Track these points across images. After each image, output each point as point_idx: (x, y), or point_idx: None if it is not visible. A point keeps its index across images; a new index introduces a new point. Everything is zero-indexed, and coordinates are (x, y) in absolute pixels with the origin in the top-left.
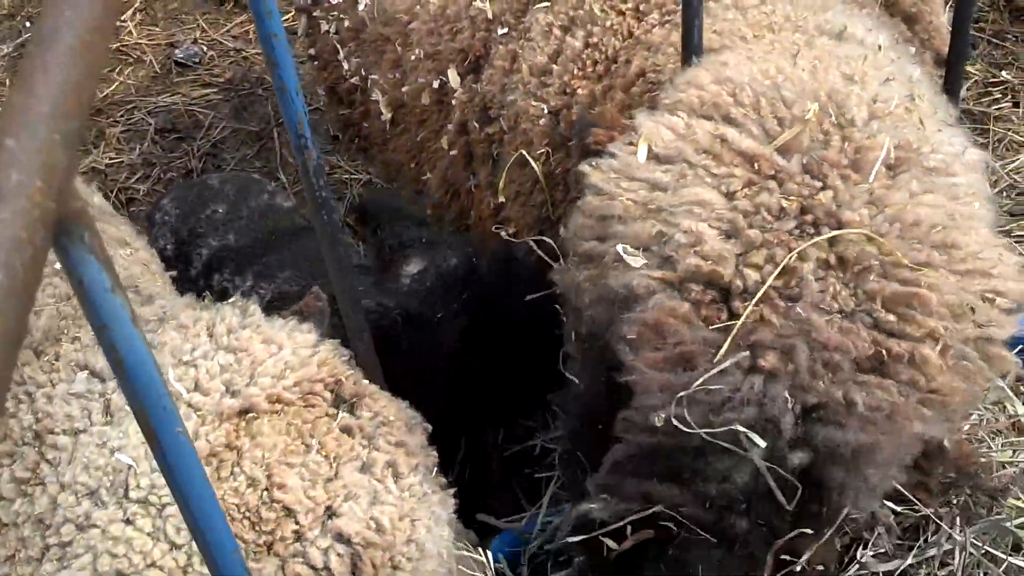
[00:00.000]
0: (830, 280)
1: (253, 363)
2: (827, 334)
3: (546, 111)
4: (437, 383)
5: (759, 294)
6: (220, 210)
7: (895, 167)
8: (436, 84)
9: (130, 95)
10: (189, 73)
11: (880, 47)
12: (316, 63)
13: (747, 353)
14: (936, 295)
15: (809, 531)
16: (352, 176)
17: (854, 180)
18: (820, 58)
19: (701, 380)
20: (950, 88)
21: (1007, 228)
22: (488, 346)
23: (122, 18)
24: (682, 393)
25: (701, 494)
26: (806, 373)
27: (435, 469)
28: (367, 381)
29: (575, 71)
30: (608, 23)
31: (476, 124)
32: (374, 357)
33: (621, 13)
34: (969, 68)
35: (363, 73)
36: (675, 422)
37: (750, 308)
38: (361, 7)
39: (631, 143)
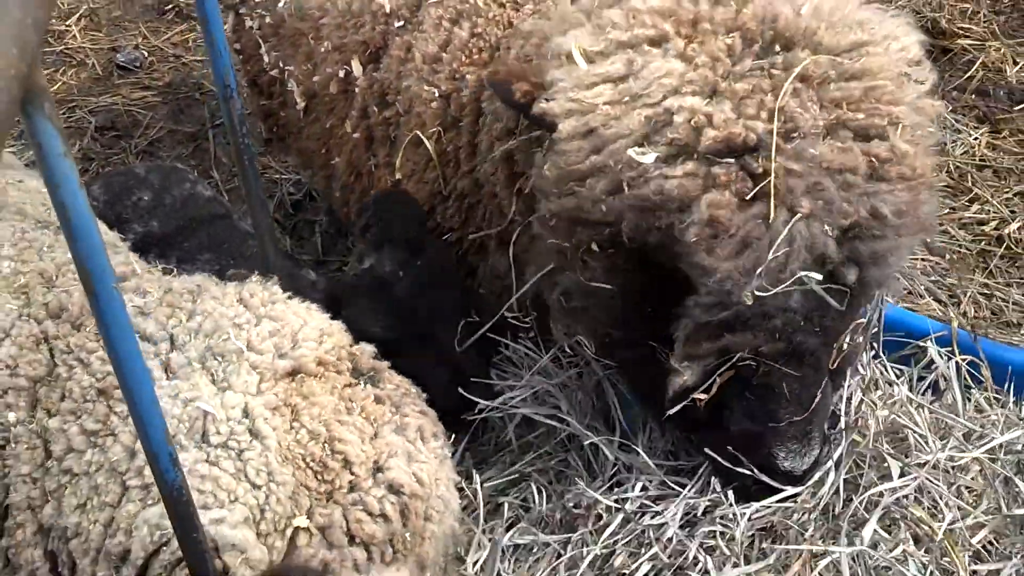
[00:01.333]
0: (807, 105)
1: (293, 330)
2: (832, 158)
3: (437, 95)
4: None
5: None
6: (145, 198)
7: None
8: (342, 74)
9: (72, 95)
10: (130, 76)
11: None
12: (241, 57)
13: (797, 216)
14: (883, 75)
15: (859, 320)
16: (283, 176)
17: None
18: None
19: (771, 255)
20: None
21: None
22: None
23: (67, 23)
24: (760, 270)
25: (771, 330)
26: (839, 201)
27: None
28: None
29: (463, 58)
30: (491, 14)
31: (375, 108)
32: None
33: (502, 5)
34: None
35: (281, 66)
36: (758, 293)
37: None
38: (281, 4)
39: (560, 63)
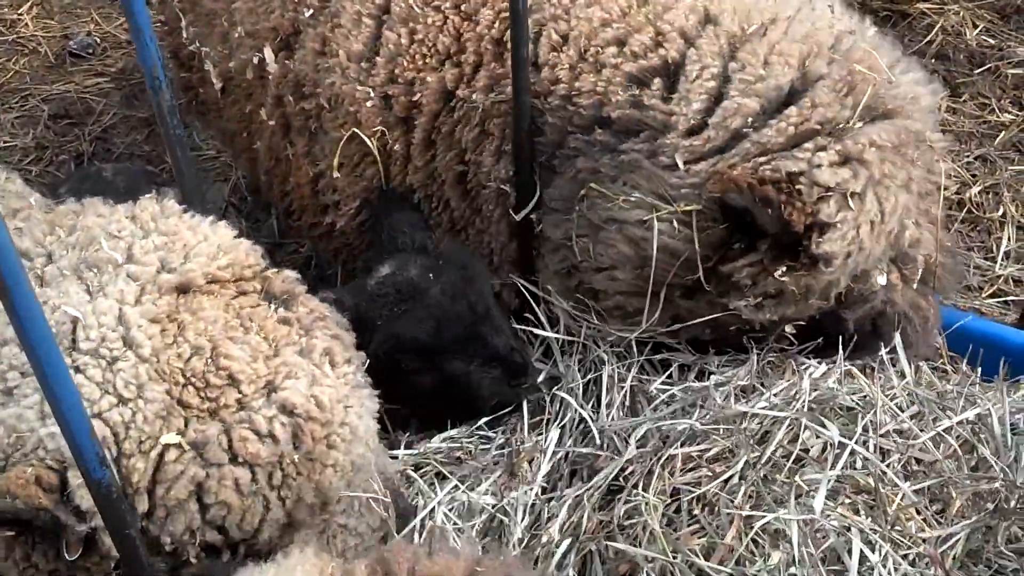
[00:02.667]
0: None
1: (185, 245)
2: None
3: (373, 94)
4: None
5: None
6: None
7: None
8: (256, 60)
9: (25, 83)
10: (82, 63)
11: None
12: (165, 27)
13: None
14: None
15: None
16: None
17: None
18: None
19: None
20: None
21: None
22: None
23: (19, 11)
24: None
25: None
26: None
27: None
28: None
29: (405, 63)
30: (430, 20)
31: (291, 98)
32: None
33: (438, 10)
34: None
35: (198, 43)
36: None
37: None
38: None
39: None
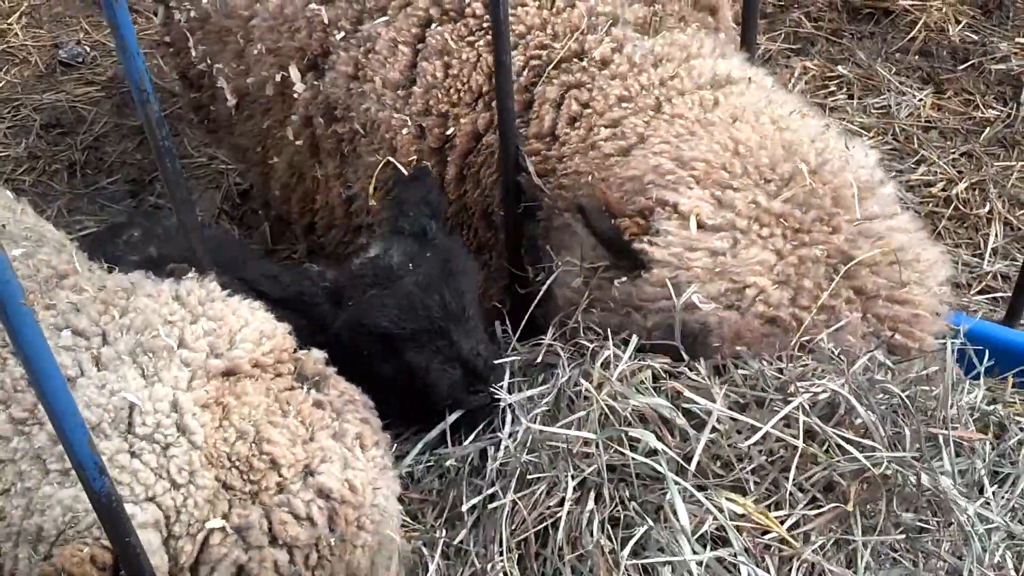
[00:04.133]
0: (851, 311)
1: (231, 330)
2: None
3: (410, 123)
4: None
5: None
6: (136, 233)
7: (862, 197)
8: (278, 78)
9: (16, 93)
10: (73, 72)
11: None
12: (171, 50)
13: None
14: (925, 311)
15: None
16: (229, 167)
17: (845, 218)
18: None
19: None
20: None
21: None
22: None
23: (8, 21)
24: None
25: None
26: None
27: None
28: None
29: (440, 96)
30: (464, 55)
31: (321, 120)
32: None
33: (472, 45)
34: (808, 64)
35: (209, 61)
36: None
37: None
38: (204, 0)
39: (669, 215)
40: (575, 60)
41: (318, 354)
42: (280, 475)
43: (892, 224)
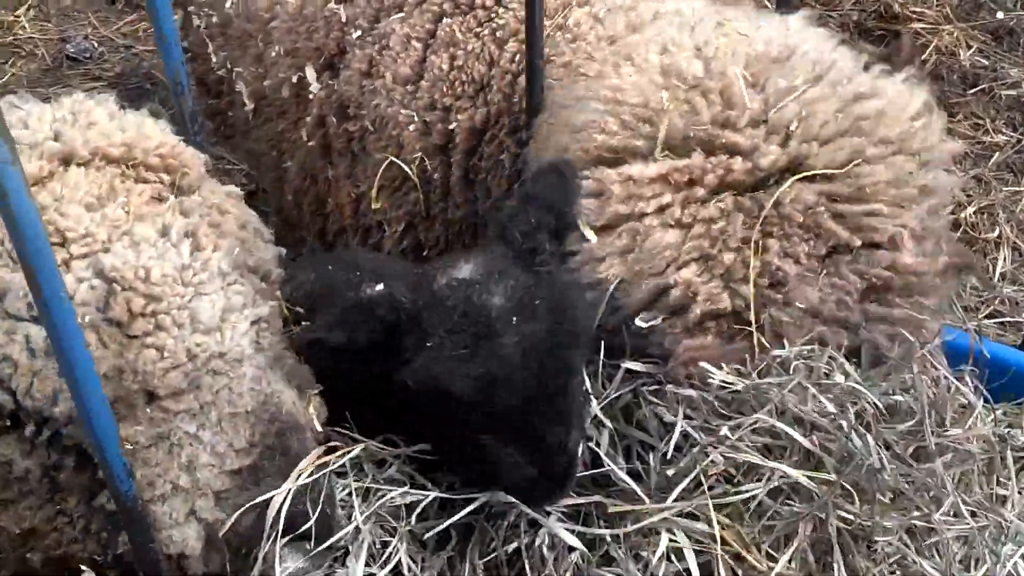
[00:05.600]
0: (797, 248)
1: (90, 123)
2: (822, 302)
3: (416, 119)
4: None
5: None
6: None
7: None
8: (295, 79)
9: (22, 87)
10: (80, 67)
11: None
12: (188, 55)
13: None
14: (882, 189)
15: None
16: (236, 167)
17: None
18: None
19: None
20: None
21: None
22: None
23: (16, 14)
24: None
25: None
26: (831, 336)
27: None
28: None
29: (444, 89)
30: (470, 47)
31: (334, 119)
32: None
33: (478, 36)
34: None
35: (229, 66)
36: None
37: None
38: (228, 4)
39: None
40: (556, 33)
41: (193, 159)
42: (69, 252)
43: (812, 93)
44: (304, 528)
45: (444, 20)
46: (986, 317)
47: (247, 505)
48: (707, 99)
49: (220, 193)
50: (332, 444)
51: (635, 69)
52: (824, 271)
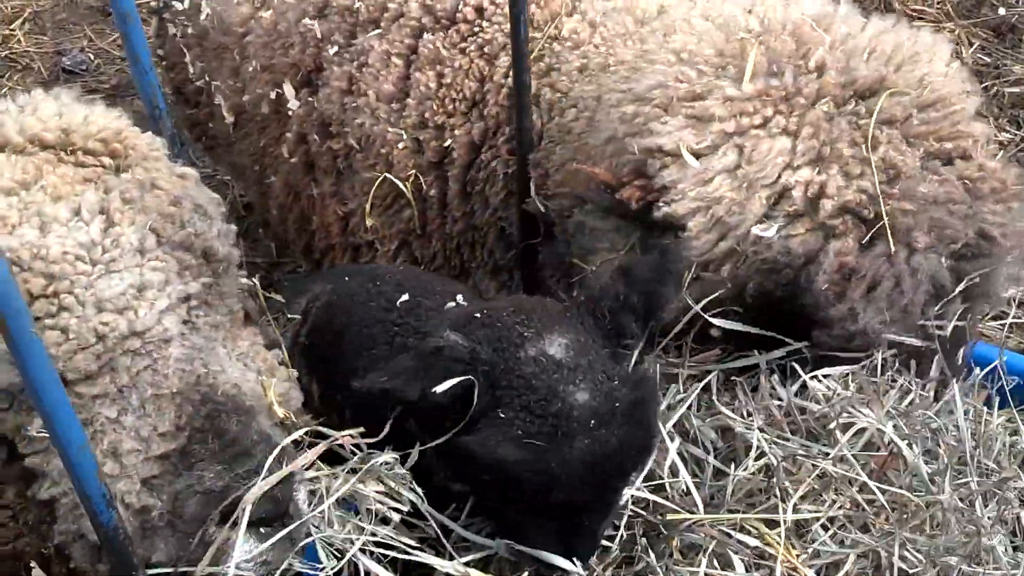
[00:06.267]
0: (902, 148)
1: (35, 111)
2: (935, 191)
3: (405, 137)
4: None
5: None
6: None
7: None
8: (273, 95)
9: None
10: (76, 80)
11: None
12: (164, 63)
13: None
14: (953, 98)
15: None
16: (231, 179)
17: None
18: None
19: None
20: None
21: None
22: None
23: (11, 27)
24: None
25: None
26: (950, 229)
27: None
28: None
29: (435, 107)
30: (457, 63)
31: (316, 137)
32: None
33: (464, 53)
34: None
35: (207, 78)
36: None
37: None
38: (203, 16)
39: (664, 163)
40: (554, 44)
41: (140, 142)
42: None
43: (870, 32)
44: (261, 514)
45: (425, 36)
46: (992, 319)
47: (233, 496)
48: (780, 39)
49: (163, 172)
50: (307, 430)
51: (690, 31)
52: (927, 171)
